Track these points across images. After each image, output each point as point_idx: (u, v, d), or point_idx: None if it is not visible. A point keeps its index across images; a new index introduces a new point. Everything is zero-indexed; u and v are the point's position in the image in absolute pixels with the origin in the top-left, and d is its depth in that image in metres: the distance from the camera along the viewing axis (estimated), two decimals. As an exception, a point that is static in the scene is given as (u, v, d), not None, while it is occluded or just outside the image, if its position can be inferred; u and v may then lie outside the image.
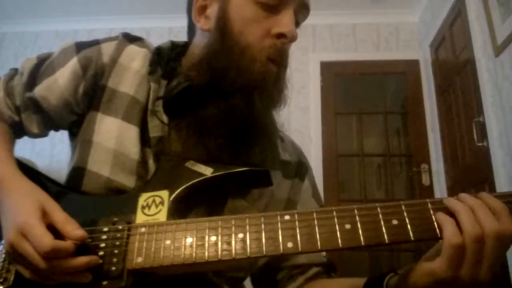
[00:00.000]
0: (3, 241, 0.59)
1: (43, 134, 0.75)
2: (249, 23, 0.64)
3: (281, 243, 0.50)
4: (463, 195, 0.51)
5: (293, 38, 0.64)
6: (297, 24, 0.69)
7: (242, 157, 0.66)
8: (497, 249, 0.46)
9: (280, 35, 0.64)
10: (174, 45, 0.75)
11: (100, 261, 0.52)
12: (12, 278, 0.55)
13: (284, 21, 0.64)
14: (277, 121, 0.73)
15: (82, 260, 0.50)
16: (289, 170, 0.77)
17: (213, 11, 0.68)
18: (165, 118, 0.66)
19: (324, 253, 0.77)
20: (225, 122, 0.63)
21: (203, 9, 0.70)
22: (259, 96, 0.64)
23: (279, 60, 0.66)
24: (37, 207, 0.53)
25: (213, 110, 0.64)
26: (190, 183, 0.60)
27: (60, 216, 0.53)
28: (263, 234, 0.51)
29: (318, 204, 0.81)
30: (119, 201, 0.61)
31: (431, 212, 0.50)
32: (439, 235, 0.49)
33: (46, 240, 0.49)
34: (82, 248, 0.51)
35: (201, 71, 0.66)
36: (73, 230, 0.51)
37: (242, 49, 0.63)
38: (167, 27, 3.53)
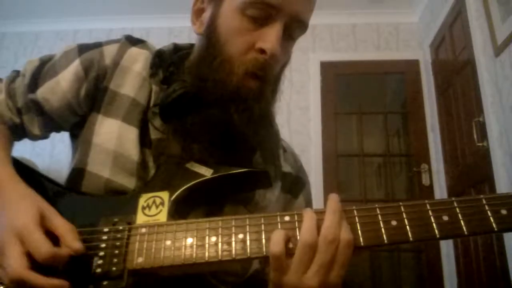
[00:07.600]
0: None
1: (44, 136, 0.75)
2: (234, 35, 0.63)
3: (280, 244, 0.51)
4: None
5: (273, 56, 0.61)
6: (291, 38, 0.67)
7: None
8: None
9: (262, 51, 0.62)
10: (176, 48, 0.75)
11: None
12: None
13: (268, 36, 0.61)
14: (276, 131, 0.73)
15: (53, 282, 0.48)
16: (286, 183, 0.77)
17: (206, 16, 0.67)
18: (161, 122, 0.66)
19: None
20: (206, 130, 0.63)
21: (200, 12, 0.70)
22: (236, 109, 0.62)
23: (262, 75, 0.63)
24: (36, 212, 0.52)
25: (195, 118, 0.64)
26: (190, 184, 0.60)
27: (60, 222, 0.52)
28: (263, 235, 0.52)
29: None
30: (119, 202, 0.61)
31: (430, 213, 0.51)
32: (437, 236, 0.49)
33: (47, 246, 0.49)
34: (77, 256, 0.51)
35: (192, 77, 0.66)
36: (73, 240, 0.51)
37: (222, 61, 0.62)
38: (167, 27, 3.53)
